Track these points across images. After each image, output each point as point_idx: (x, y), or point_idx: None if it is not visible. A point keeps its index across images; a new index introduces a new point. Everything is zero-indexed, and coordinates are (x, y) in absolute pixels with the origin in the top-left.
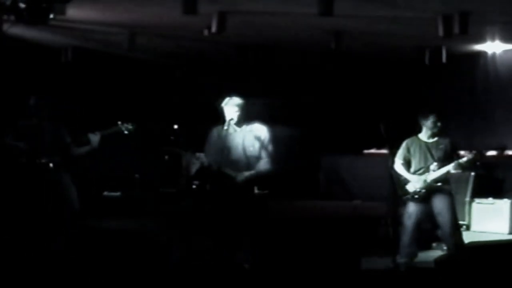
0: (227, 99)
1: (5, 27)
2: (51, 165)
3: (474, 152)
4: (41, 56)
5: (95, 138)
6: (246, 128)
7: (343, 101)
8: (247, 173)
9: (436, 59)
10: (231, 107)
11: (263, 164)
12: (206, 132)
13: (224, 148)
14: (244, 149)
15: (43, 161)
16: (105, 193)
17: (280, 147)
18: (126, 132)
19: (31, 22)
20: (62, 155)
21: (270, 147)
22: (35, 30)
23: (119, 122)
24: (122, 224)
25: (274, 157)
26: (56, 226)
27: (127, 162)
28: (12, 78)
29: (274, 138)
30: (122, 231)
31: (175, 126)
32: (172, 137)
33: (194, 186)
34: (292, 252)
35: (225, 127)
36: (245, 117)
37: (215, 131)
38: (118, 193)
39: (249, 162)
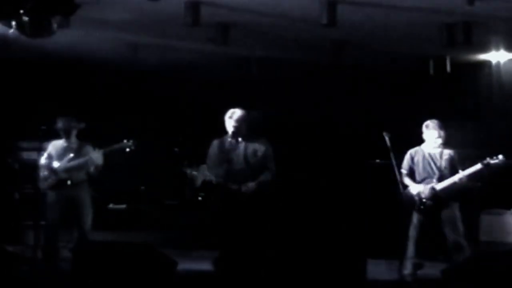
0: (230, 111)
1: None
2: (69, 182)
3: (481, 162)
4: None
5: (97, 155)
6: (249, 140)
7: (347, 113)
8: (251, 184)
9: (440, 69)
10: (233, 119)
11: (266, 175)
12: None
13: (227, 160)
14: (247, 161)
15: (62, 177)
16: (111, 205)
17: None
18: (127, 149)
19: (34, 36)
20: (85, 173)
21: (271, 158)
22: None
23: (125, 141)
24: (127, 236)
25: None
26: (62, 242)
27: (132, 175)
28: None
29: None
30: (127, 243)
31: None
32: (176, 149)
33: (200, 198)
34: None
35: (228, 139)
36: (247, 129)
37: (216, 143)
38: (123, 205)
39: (252, 173)
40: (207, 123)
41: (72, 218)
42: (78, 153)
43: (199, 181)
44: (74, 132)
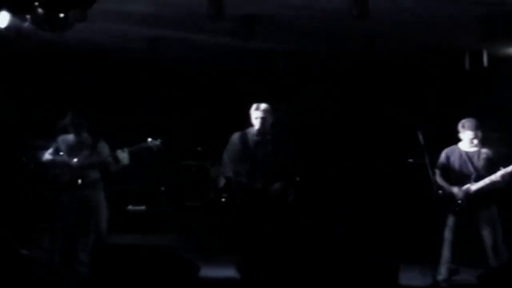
0: (255, 105)
1: None
2: (79, 181)
3: None
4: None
5: (123, 155)
6: (274, 135)
7: (379, 109)
8: (278, 184)
9: (476, 63)
10: (259, 113)
11: (291, 174)
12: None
13: (251, 157)
14: (271, 158)
15: (70, 177)
16: (129, 207)
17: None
18: (154, 149)
19: (50, 30)
20: (99, 171)
21: (296, 155)
22: None
23: (149, 139)
24: (147, 240)
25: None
26: (79, 245)
27: (152, 175)
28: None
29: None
30: (147, 246)
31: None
32: (199, 148)
33: (223, 199)
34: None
35: (253, 134)
36: (273, 124)
37: (237, 137)
38: (143, 207)
39: (278, 173)
40: (232, 121)
41: (87, 220)
42: (93, 150)
43: (222, 181)
44: (85, 128)
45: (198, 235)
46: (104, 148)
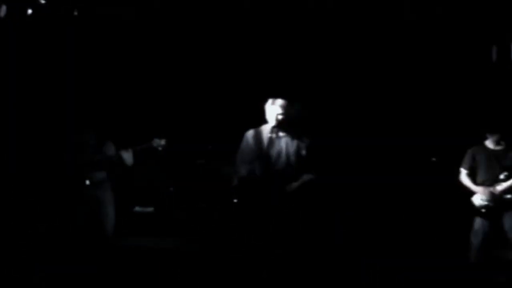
0: (270, 100)
1: None
2: (87, 182)
3: None
4: None
5: (127, 155)
6: (291, 134)
7: (400, 105)
8: (294, 184)
9: (504, 56)
10: (274, 108)
11: (309, 175)
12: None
13: (265, 156)
14: (287, 157)
15: (77, 177)
16: (136, 208)
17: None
18: (159, 149)
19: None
20: (105, 171)
21: (316, 158)
22: None
23: (155, 139)
24: (155, 243)
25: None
26: (86, 247)
27: (161, 174)
28: None
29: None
30: (155, 250)
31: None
32: (210, 146)
33: (235, 201)
34: None
35: (267, 131)
36: (290, 120)
37: (251, 135)
38: (150, 209)
39: (294, 173)
40: (245, 117)
41: (92, 221)
42: (98, 149)
43: (235, 181)
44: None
45: (209, 239)
46: (109, 148)
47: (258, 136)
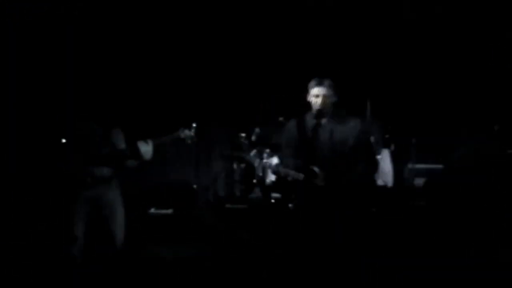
0: (315, 80)
1: None
2: (89, 179)
3: None
4: None
5: (146, 148)
6: (336, 121)
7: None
8: (344, 180)
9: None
10: (320, 89)
11: (364, 168)
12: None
13: (309, 147)
14: (333, 146)
15: (78, 174)
16: (152, 210)
17: None
18: (189, 141)
19: None
20: (114, 167)
21: (369, 146)
22: None
23: (181, 128)
24: (174, 251)
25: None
26: (93, 258)
27: (182, 170)
28: None
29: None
30: (174, 261)
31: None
32: (243, 135)
33: (272, 200)
34: None
35: (311, 119)
36: (337, 105)
37: (294, 125)
38: (169, 210)
39: (342, 166)
40: (285, 101)
41: (100, 225)
42: (106, 140)
43: (271, 178)
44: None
45: (240, 247)
46: (118, 138)
47: (300, 125)
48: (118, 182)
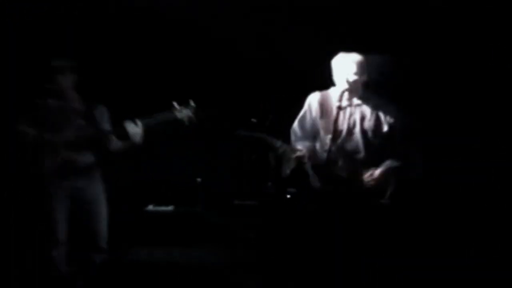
0: (341, 54)
1: None
2: (75, 169)
3: None
4: None
5: (135, 130)
6: (369, 100)
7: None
8: (377, 171)
9: None
10: (346, 66)
11: (394, 161)
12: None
13: (332, 132)
14: (365, 136)
15: (60, 159)
16: (150, 207)
17: None
18: (186, 122)
19: None
20: (96, 151)
21: (407, 135)
22: None
23: (175, 105)
24: (176, 255)
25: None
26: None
27: (184, 160)
28: None
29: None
30: (176, 266)
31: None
32: (253, 120)
33: (288, 196)
34: None
35: (336, 98)
36: (368, 83)
37: (315, 100)
38: (170, 207)
39: (373, 156)
40: (303, 79)
41: (81, 225)
42: (88, 118)
43: (288, 168)
44: (70, 83)
45: (251, 249)
46: (102, 117)
47: (324, 102)
48: (100, 171)
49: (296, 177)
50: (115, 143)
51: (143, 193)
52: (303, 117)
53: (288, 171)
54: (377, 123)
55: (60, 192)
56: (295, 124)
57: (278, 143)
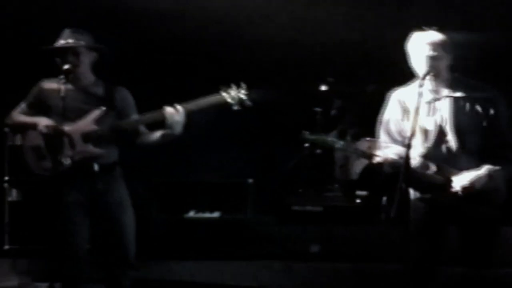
0: (418, 34)
1: None
2: (95, 167)
3: None
4: None
5: (174, 117)
6: (459, 87)
7: None
8: (480, 174)
9: None
10: (427, 47)
11: (508, 163)
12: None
13: (420, 129)
14: (457, 125)
15: (78, 158)
16: (191, 214)
17: None
18: (238, 106)
19: None
20: (119, 147)
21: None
22: None
23: (224, 88)
24: (221, 271)
25: None
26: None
27: (232, 158)
28: None
29: None
30: (222, 286)
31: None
32: (317, 110)
33: (358, 200)
34: None
35: (418, 90)
36: (455, 67)
37: (396, 98)
38: (216, 214)
39: (473, 156)
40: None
41: (102, 235)
42: (109, 103)
43: (357, 169)
44: (86, 61)
45: (315, 265)
46: (125, 102)
47: (406, 100)
48: (121, 170)
49: (367, 180)
50: (145, 136)
51: (182, 197)
52: (387, 121)
53: (357, 173)
54: (475, 115)
55: (76, 197)
56: (380, 129)
57: (340, 144)
